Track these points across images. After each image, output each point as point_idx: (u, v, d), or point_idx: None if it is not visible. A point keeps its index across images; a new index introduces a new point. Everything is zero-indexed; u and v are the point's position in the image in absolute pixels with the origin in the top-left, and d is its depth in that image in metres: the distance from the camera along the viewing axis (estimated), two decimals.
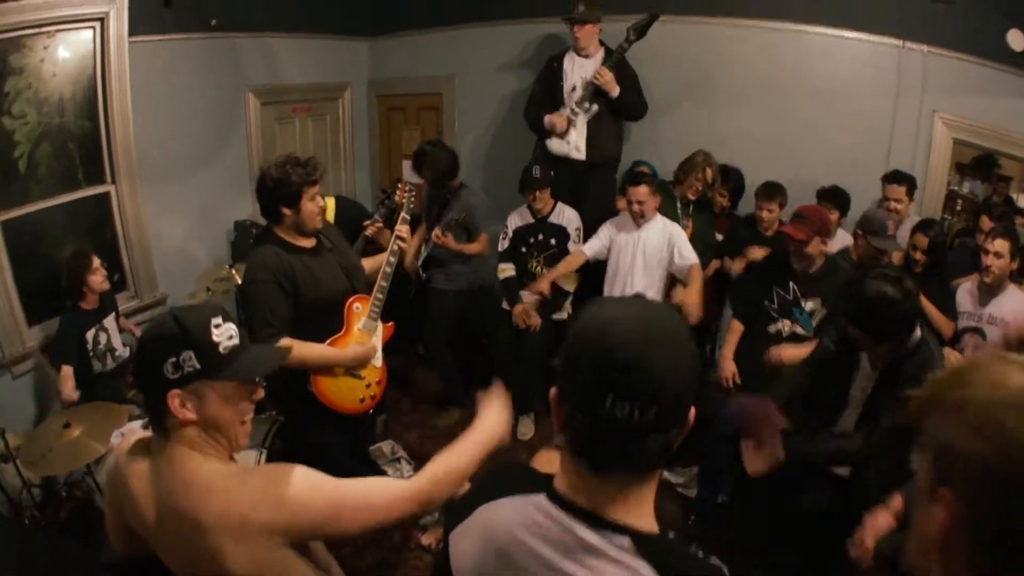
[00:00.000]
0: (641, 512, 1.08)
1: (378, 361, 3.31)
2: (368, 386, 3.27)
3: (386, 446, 4.51)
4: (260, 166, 3.00)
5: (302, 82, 6.07)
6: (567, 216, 4.71)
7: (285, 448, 3.57)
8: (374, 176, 7.03)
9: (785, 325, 3.66)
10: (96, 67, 4.36)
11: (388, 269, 3.29)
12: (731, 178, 4.79)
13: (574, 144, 4.86)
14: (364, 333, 3.21)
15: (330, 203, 4.35)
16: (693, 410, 1.06)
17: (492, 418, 1.80)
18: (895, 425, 2.42)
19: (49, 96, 4.16)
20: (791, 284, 3.62)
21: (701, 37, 5.03)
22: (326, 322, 3.10)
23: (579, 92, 4.79)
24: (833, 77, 4.70)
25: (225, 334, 1.51)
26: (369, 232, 4.10)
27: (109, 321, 4.15)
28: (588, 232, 4.67)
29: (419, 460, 4.52)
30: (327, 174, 6.15)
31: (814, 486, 2.98)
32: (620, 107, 4.77)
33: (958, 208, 4.61)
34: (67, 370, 3.78)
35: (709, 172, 4.51)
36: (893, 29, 4.45)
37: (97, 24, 4.26)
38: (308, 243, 3.04)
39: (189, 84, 5.01)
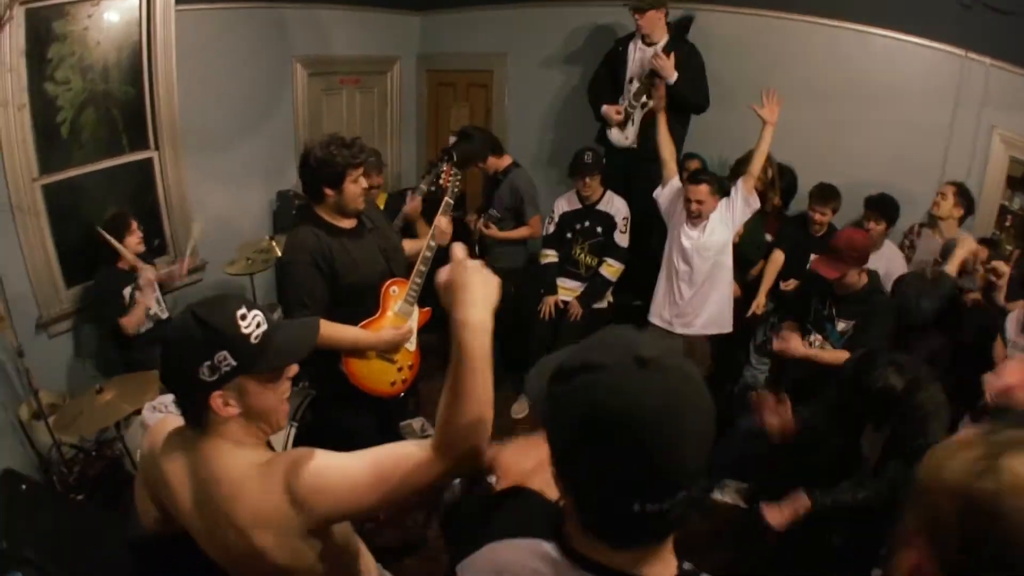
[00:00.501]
0: (663, 562, 1.01)
1: (412, 345, 3.27)
2: (400, 370, 3.24)
3: (416, 423, 4.51)
4: (305, 143, 2.95)
5: (351, 54, 6.04)
6: (616, 205, 4.63)
7: (313, 425, 3.54)
8: (421, 152, 6.99)
9: (817, 339, 3.60)
10: (141, 34, 4.35)
11: (428, 254, 3.22)
12: (784, 177, 4.64)
13: (631, 139, 4.77)
14: (400, 317, 3.17)
15: (382, 197, 4.37)
16: None
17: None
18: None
19: (94, 63, 4.17)
20: (828, 300, 3.59)
21: (762, 30, 4.92)
22: (362, 304, 3.07)
23: (636, 84, 4.66)
24: (893, 81, 4.55)
25: (252, 323, 1.49)
26: (409, 208, 4.08)
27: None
28: (635, 223, 4.59)
29: None
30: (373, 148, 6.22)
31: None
32: (676, 96, 4.44)
33: (1007, 224, 4.41)
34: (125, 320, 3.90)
35: (769, 171, 4.38)
36: (957, 38, 4.30)
37: None
38: (349, 224, 3.01)
39: (235, 53, 5.01)
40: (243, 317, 1.48)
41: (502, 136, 6.26)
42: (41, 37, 3.86)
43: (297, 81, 5.62)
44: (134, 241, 4.04)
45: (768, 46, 4.92)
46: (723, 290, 4.13)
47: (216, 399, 1.45)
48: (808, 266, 3.81)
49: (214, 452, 1.50)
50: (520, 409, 4.89)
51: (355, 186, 2.90)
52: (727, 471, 4.02)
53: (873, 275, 3.56)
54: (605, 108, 4.78)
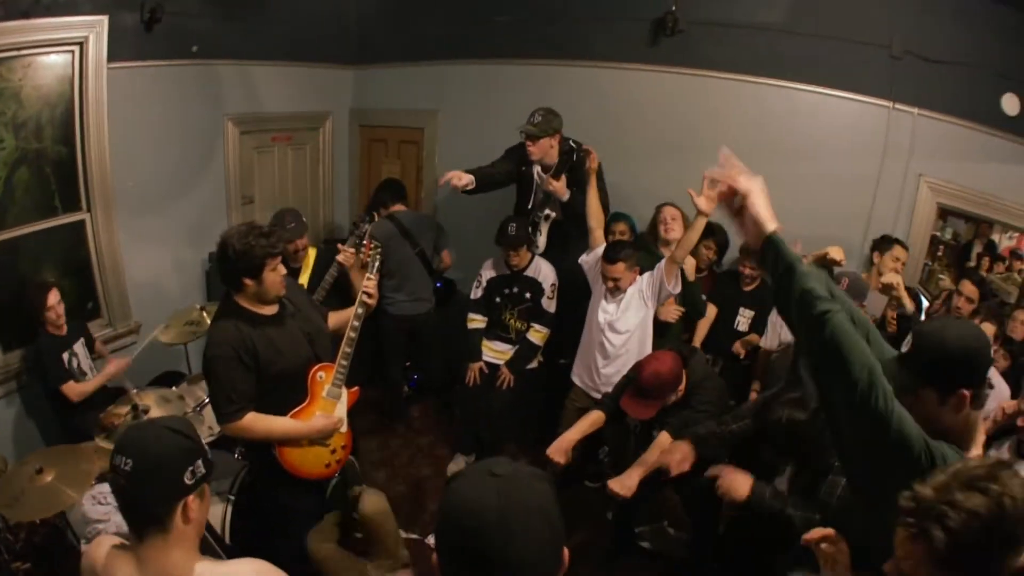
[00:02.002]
0: None
1: (343, 427, 3.28)
2: (334, 451, 3.26)
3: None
4: (222, 234, 2.91)
5: (283, 111, 6.02)
6: (543, 272, 4.66)
7: (251, 502, 3.48)
8: (353, 208, 6.96)
9: None
10: (74, 92, 4.28)
11: (352, 334, 3.23)
12: (716, 234, 4.72)
13: (542, 247, 4.79)
14: (329, 401, 3.18)
15: (311, 253, 4.38)
16: (567, 552, 1.15)
17: None
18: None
19: (27, 120, 4.08)
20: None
21: (688, 88, 5.02)
22: (290, 392, 3.07)
23: (539, 195, 4.68)
24: (820, 136, 4.68)
25: (205, 438, 1.72)
26: (340, 258, 4.15)
27: (79, 346, 4.16)
28: (563, 289, 4.66)
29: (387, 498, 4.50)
30: (305, 207, 6.17)
31: None
32: (575, 208, 4.42)
33: (939, 254, 4.58)
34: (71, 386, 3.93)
35: (675, 212, 4.48)
36: (885, 90, 4.45)
37: (76, 48, 4.19)
38: (270, 310, 2.99)
39: (167, 111, 4.95)
40: (200, 434, 1.74)
41: (430, 194, 6.39)
42: None
43: (229, 140, 5.57)
44: (53, 316, 3.99)
45: (692, 104, 5.03)
46: (635, 353, 4.17)
47: (191, 502, 1.65)
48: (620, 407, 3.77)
49: (175, 560, 1.64)
50: (455, 469, 4.92)
51: (274, 274, 2.90)
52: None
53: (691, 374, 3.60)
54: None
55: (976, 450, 1.81)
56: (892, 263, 4.20)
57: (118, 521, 2.92)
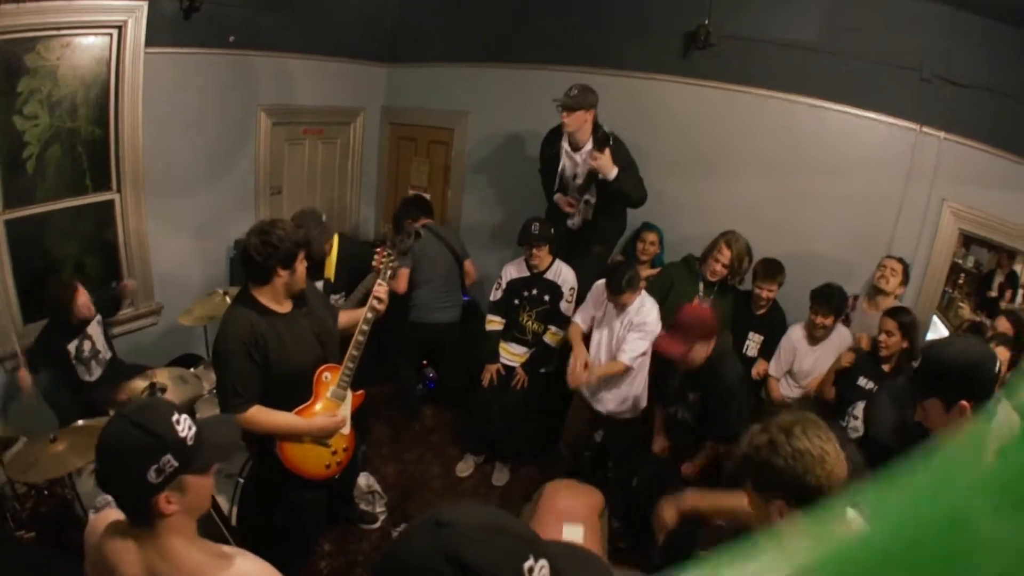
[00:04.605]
0: None
1: (346, 429, 3.30)
2: (334, 453, 3.28)
3: (362, 479, 4.47)
4: (259, 222, 2.96)
5: (316, 104, 6.08)
6: (564, 275, 4.65)
7: (262, 513, 3.49)
8: (379, 204, 7.03)
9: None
10: (110, 74, 4.36)
11: (361, 338, 3.25)
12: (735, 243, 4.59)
13: (577, 225, 4.85)
14: (333, 402, 3.21)
15: (334, 240, 4.38)
16: None
17: None
18: None
19: (63, 99, 4.17)
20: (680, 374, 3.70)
21: (718, 102, 5.01)
22: (296, 390, 3.10)
23: (580, 179, 4.69)
24: (845, 155, 4.65)
25: (186, 426, 1.63)
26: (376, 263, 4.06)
27: (93, 327, 4.14)
28: (581, 295, 4.63)
29: (394, 494, 4.57)
30: (332, 201, 6.22)
31: None
32: (619, 193, 4.48)
33: (960, 282, 4.47)
34: (25, 373, 3.91)
35: (726, 252, 4.36)
36: (912, 113, 4.42)
37: (115, 32, 4.27)
38: (285, 308, 3.02)
39: (201, 98, 5.02)
40: (178, 422, 1.62)
41: (457, 195, 6.39)
42: (12, 70, 3.85)
43: (261, 130, 5.63)
44: (81, 305, 3.98)
45: (723, 117, 5.01)
46: (635, 378, 4.18)
47: (162, 500, 1.59)
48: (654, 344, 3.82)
49: (169, 548, 1.63)
50: (465, 468, 4.97)
51: (303, 266, 2.97)
52: None
53: (720, 344, 3.61)
54: (557, 197, 4.85)
55: None
56: (886, 273, 4.22)
57: None
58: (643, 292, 4.14)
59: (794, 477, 1.64)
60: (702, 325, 3.47)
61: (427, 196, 5.60)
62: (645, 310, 4.09)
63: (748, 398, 3.85)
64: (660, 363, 3.93)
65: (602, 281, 4.16)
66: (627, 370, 4.07)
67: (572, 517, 3.05)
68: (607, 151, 4.32)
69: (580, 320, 4.38)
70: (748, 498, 1.79)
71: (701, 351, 3.46)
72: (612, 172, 4.36)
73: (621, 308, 4.07)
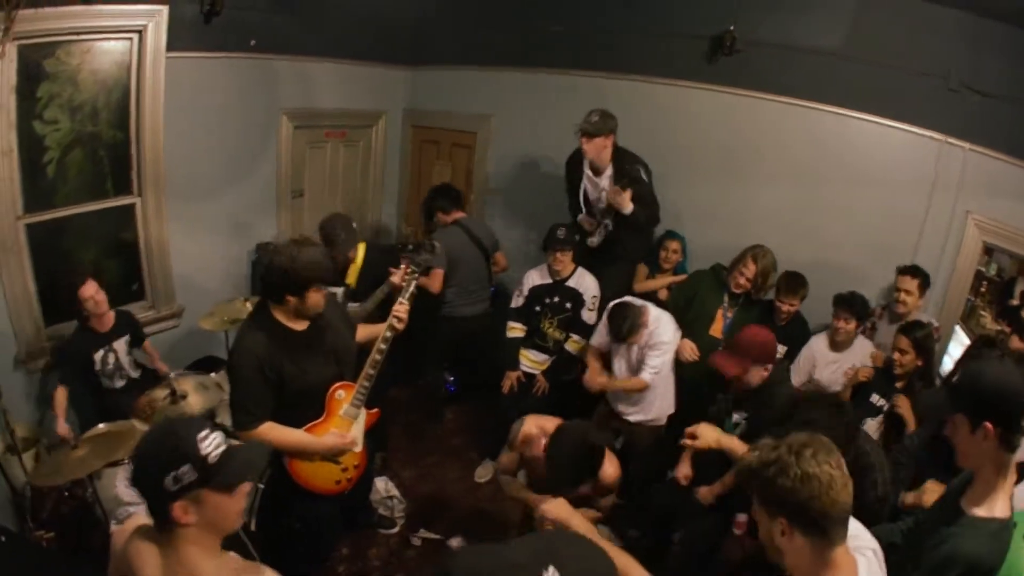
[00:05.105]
0: None
1: (358, 447, 3.26)
2: (345, 469, 3.26)
3: (380, 483, 4.48)
4: (275, 244, 2.95)
5: (338, 107, 6.07)
6: (586, 283, 4.62)
7: (278, 522, 3.46)
8: (401, 207, 7.02)
9: None
10: (131, 78, 4.37)
11: (378, 357, 3.21)
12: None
13: (597, 243, 4.84)
14: (345, 420, 3.18)
15: (360, 249, 4.36)
16: None
17: None
18: None
19: (83, 103, 4.18)
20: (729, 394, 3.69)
21: (743, 108, 4.93)
22: (309, 408, 3.09)
23: (603, 203, 4.69)
24: (870, 164, 4.55)
25: (212, 444, 1.67)
26: (396, 279, 3.96)
27: (119, 343, 4.18)
28: (603, 304, 4.57)
29: (412, 499, 4.57)
30: (354, 204, 6.21)
31: None
32: (631, 222, 4.57)
33: (982, 290, 4.38)
34: (61, 394, 3.92)
35: (752, 266, 4.28)
36: (937, 123, 4.32)
37: (135, 36, 4.27)
38: (302, 326, 3.00)
39: (223, 102, 5.02)
40: (203, 439, 1.67)
41: (479, 199, 6.35)
42: (32, 75, 3.87)
43: (283, 133, 5.63)
44: (91, 305, 3.99)
45: (747, 124, 4.94)
46: (659, 389, 4.19)
47: (177, 508, 1.63)
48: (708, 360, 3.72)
49: (186, 556, 1.67)
50: (484, 473, 4.95)
51: (317, 295, 2.92)
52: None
53: (778, 371, 3.59)
54: (581, 218, 4.87)
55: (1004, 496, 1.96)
56: (901, 296, 4.14)
57: None
58: (654, 310, 4.15)
59: (799, 501, 1.63)
60: (762, 348, 3.45)
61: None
62: (660, 329, 4.11)
63: None
64: (710, 381, 3.86)
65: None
66: (646, 387, 4.10)
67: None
68: (628, 192, 4.40)
69: (596, 343, 4.39)
70: (754, 508, 1.77)
71: (757, 374, 3.44)
72: (628, 208, 4.45)
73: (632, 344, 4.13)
